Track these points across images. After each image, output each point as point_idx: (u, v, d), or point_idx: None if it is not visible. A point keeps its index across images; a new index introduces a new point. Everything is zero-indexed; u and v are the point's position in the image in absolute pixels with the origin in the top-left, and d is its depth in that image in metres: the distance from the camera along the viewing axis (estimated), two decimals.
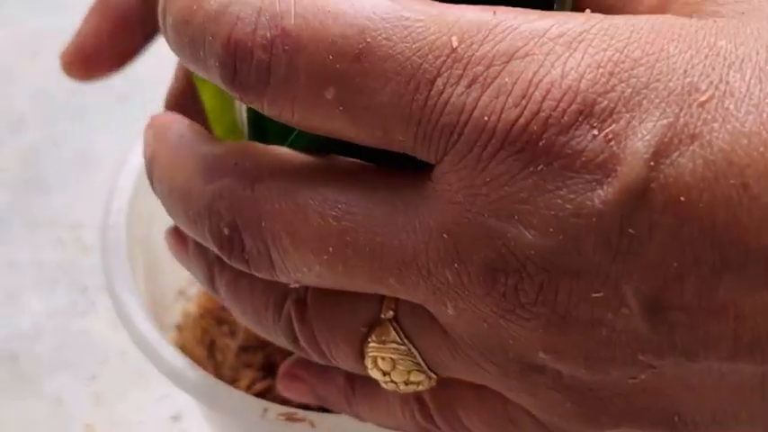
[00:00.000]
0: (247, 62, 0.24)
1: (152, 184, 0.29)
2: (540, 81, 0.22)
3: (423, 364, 0.26)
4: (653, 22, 0.23)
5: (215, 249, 0.27)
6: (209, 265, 0.29)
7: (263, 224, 0.25)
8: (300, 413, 0.33)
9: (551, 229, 0.22)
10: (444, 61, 0.23)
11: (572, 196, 0.22)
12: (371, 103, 0.23)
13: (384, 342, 0.26)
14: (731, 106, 0.22)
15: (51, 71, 0.73)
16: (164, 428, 0.53)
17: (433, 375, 0.27)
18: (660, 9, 0.26)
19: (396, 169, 0.25)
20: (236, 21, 0.24)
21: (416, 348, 0.26)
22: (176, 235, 0.31)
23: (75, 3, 0.44)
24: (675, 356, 0.23)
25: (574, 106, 0.22)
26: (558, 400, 0.25)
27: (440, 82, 0.23)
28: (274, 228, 0.25)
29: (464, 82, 0.23)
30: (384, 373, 0.27)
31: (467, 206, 0.23)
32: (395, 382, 0.27)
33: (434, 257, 0.24)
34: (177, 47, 0.26)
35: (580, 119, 0.22)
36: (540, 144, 0.22)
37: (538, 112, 0.22)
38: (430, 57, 0.23)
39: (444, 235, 0.23)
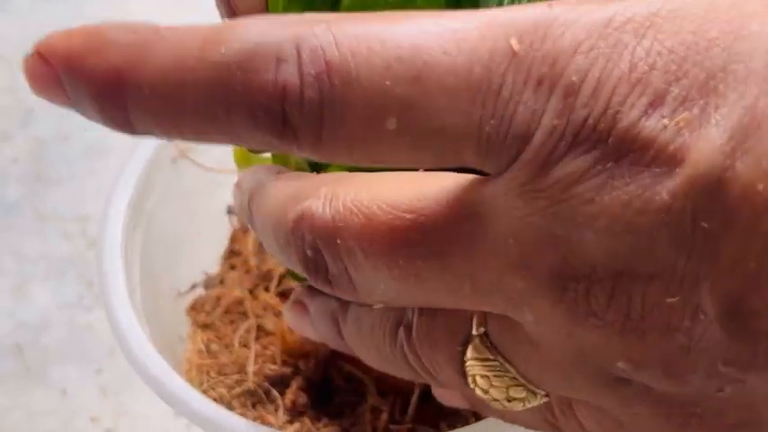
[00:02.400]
0: (297, 104, 0.22)
1: (252, 223, 0.29)
2: (609, 77, 0.21)
3: (519, 378, 0.25)
4: None
5: (305, 275, 0.26)
6: (333, 317, 0.29)
7: (338, 242, 0.25)
8: None
9: (619, 230, 0.21)
10: (507, 67, 0.21)
11: (640, 191, 0.21)
12: (439, 125, 0.22)
13: (478, 359, 0.25)
14: None
15: None
16: (168, 422, 0.53)
17: (540, 391, 0.26)
18: None
19: (461, 174, 0.24)
20: (273, 60, 0.21)
21: (509, 362, 0.25)
22: (296, 307, 0.31)
23: None
24: (760, 370, 0.21)
25: (644, 98, 0.20)
26: (649, 414, 0.24)
27: (505, 90, 0.21)
28: (348, 244, 0.25)
29: (530, 86, 0.21)
30: (485, 391, 0.26)
31: (530, 210, 0.22)
32: (497, 400, 0.26)
33: (502, 264, 0.22)
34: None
35: (650, 110, 0.20)
36: (610, 141, 0.21)
37: (606, 108, 0.21)
38: (492, 65, 0.21)
39: (510, 240, 0.22)
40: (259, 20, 0.22)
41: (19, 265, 0.60)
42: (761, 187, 0.19)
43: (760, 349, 0.20)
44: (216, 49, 0.22)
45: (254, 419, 0.34)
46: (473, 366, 0.26)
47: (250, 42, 0.21)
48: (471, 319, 0.25)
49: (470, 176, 0.24)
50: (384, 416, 0.34)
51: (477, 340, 0.25)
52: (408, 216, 0.24)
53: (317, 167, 0.30)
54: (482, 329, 0.25)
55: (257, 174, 0.29)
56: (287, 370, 0.36)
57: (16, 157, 0.66)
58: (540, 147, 0.21)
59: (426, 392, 0.34)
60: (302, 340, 0.36)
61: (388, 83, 0.21)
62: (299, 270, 0.26)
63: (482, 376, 0.26)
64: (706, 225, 0.20)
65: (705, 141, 0.20)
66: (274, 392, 0.35)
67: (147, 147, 0.39)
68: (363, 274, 0.25)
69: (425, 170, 0.24)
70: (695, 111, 0.20)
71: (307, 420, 0.34)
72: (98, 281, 0.35)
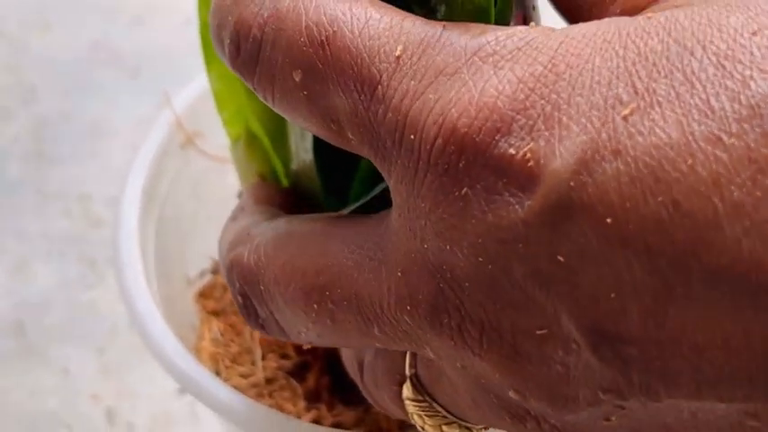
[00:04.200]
0: (246, 39, 0.24)
1: None
2: (459, 99, 0.21)
3: (448, 416, 0.26)
4: (587, 29, 0.21)
5: (243, 318, 0.28)
6: (360, 367, 0.29)
7: (261, 288, 0.26)
8: None
9: (481, 259, 0.21)
10: (387, 68, 0.22)
11: (497, 221, 0.21)
12: (327, 92, 0.23)
13: (411, 399, 0.26)
14: (656, 116, 0.19)
15: (62, 43, 0.74)
16: (170, 401, 0.53)
17: (476, 426, 0.26)
18: (633, 10, 0.23)
19: (367, 216, 0.25)
20: (249, 2, 0.24)
21: (435, 401, 0.26)
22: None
23: None
24: (637, 395, 0.21)
25: (489, 124, 0.21)
26: None
27: (380, 90, 0.22)
28: (269, 289, 0.26)
29: (398, 95, 0.22)
30: (421, 427, 0.26)
31: (411, 235, 0.22)
32: None
33: (393, 302, 0.23)
34: (212, 33, 0.26)
35: (497, 137, 0.21)
36: (461, 165, 0.21)
37: (453, 130, 0.21)
38: (376, 60, 0.23)
39: (399, 273, 0.23)
40: None
41: (20, 244, 0.60)
42: (609, 221, 0.19)
43: (633, 374, 0.20)
44: None
45: (271, 408, 0.34)
46: (409, 405, 0.26)
47: None
48: (405, 359, 0.26)
49: (372, 217, 0.25)
50: None
51: (408, 381, 0.26)
52: (320, 260, 0.25)
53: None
54: (413, 370, 0.26)
55: (240, 199, 0.32)
56: (299, 359, 0.36)
57: (18, 135, 0.66)
58: (405, 161, 0.22)
59: None
60: None
61: (301, 39, 0.23)
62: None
63: (417, 415, 0.26)
64: (562, 259, 0.20)
65: (551, 174, 0.20)
66: (292, 380, 0.35)
67: (158, 132, 0.39)
68: (286, 317, 0.26)
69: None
70: (541, 142, 0.20)
71: (323, 408, 0.35)
72: (116, 272, 0.35)
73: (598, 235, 0.20)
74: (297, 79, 0.23)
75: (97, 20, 0.73)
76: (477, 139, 0.21)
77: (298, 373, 0.36)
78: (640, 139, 0.19)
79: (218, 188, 0.43)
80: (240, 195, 0.43)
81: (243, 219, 0.29)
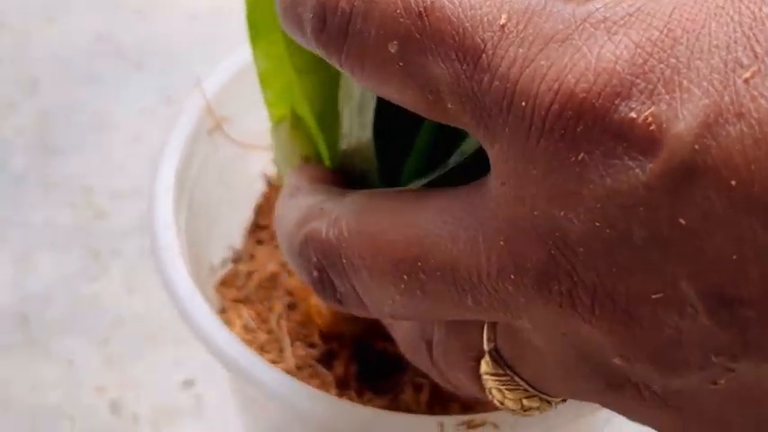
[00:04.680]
0: (333, 13, 0.24)
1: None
2: (575, 65, 0.21)
3: (530, 389, 0.26)
4: None
5: (317, 294, 0.28)
6: (428, 346, 0.29)
7: (343, 261, 0.26)
8: (478, 418, 0.32)
9: (598, 224, 0.21)
10: (491, 37, 0.22)
11: (616, 185, 0.21)
12: (426, 62, 0.23)
13: (490, 374, 0.26)
14: None
15: (66, 36, 0.74)
16: (175, 393, 0.53)
17: (554, 399, 0.26)
18: None
19: (454, 187, 0.25)
20: None
21: (518, 375, 0.26)
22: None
23: None
24: (751, 356, 0.21)
25: (608, 89, 0.21)
26: (652, 415, 0.24)
27: (484, 58, 0.22)
28: (353, 263, 0.26)
29: (505, 62, 0.22)
30: (501, 402, 0.27)
31: (518, 202, 0.22)
32: (514, 410, 0.27)
33: (495, 271, 0.23)
34: (281, 8, 0.26)
35: (617, 101, 0.21)
36: (578, 130, 0.21)
37: (571, 95, 0.21)
38: (479, 29, 0.23)
39: (501, 242, 0.23)
40: None
41: (24, 235, 0.60)
42: (734, 183, 0.20)
43: (750, 336, 0.21)
44: None
45: None
46: (488, 380, 0.26)
47: None
48: (482, 334, 0.26)
49: (463, 187, 0.25)
50: (426, 389, 0.35)
51: (488, 356, 0.26)
52: (410, 232, 0.25)
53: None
54: (492, 344, 0.26)
55: (289, 179, 0.31)
56: (326, 347, 0.36)
57: (21, 127, 0.66)
58: (514, 128, 0.22)
59: None
60: (335, 320, 0.36)
61: (397, 11, 0.23)
62: (311, 287, 0.28)
63: (497, 389, 0.26)
64: (684, 222, 0.20)
65: (674, 137, 0.20)
66: (321, 368, 0.35)
67: (187, 117, 0.39)
68: (370, 291, 0.26)
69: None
70: (662, 105, 0.21)
71: (353, 395, 0.35)
72: (155, 259, 0.35)
73: (722, 197, 0.20)
74: (392, 51, 0.24)
75: (100, 13, 0.73)
76: (596, 104, 0.21)
77: (325, 361, 0.36)
78: (763, 101, 0.20)
79: (240, 175, 0.43)
80: (270, 178, 0.43)
81: (304, 197, 0.29)
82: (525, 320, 0.24)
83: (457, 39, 0.23)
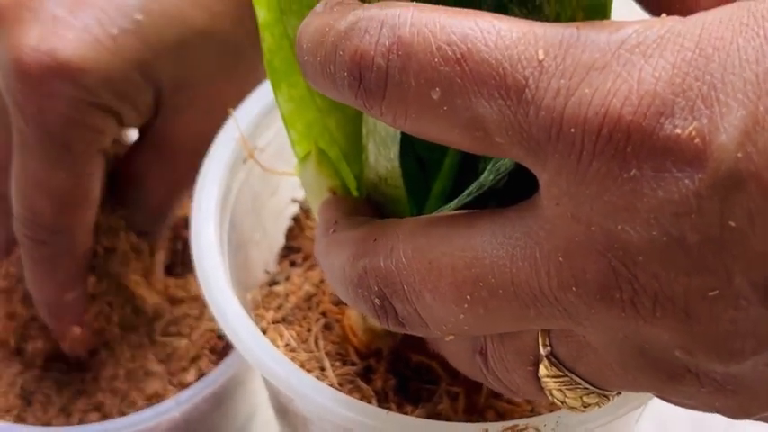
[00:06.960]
0: (369, 69, 0.26)
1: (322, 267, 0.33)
2: (618, 90, 0.24)
3: (590, 387, 0.28)
4: (721, 15, 0.24)
5: (377, 321, 0.30)
6: (483, 357, 0.31)
7: (405, 288, 0.28)
8: (521, 423, 0.33)
9: (654, 233, 0.23)
10: (532, 73, 0.24)
11: (668, 196, 0.23)
12: (470, 104, 0.25)
13: (549, 376, 0.28)
14: None
15: None
16: None
17: (612, 393, 0.28)
18: None
19: (512, 204, 0.27)
20: (363, 34, 0.26)
21: (578, 375, 0.28)
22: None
23: None
24: None
25: (653, 109, 0.23)
26: (711, 399, 0.26)
27: (527, 93, 0.24)
28: (415, 288, 0.28)
29: (549, 94, 0.24)
30: (561, 401, 0.28)
31: (574, 221, 0.24)
32: (574, 408, 0.29)
33: (555, 284, 0.25)
34: (310, 68, 0.28)
35: (662, 120, 0.23)
36: (629, 149, 0.23)
37: (618, 118, 0.23)
38: (519, 66, 0.24)
39: (560, 258, 0.25)
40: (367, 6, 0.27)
41: None
42: None
43: None
44: (339, 21, 0.27)
45: None
46: (547, 382, 0.28)
47: (356, 17, 0.27)
48: (537, 340, 0.28)
49: (511, 209, 0.26)
50: (461, 398, 0.36)
51: (546, 360, 0.28)
52: (468, 254, 0.27)
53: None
54: (548, 348, 0.28)
55: (322, 215, 0.33)
56: (363, 364, 0.38)
57: None
58: (565, 153, 0.24)
59: None
60: (370, 338, 0.38)
61: (435, 60, 0.25)
62: (370, 316, 0.30)
63: (557, 390, 0.28)
64: (733, 224, 0.23)
65: (719, 148, 0.23)
66: (361, 383, 0.37)
67: (223, 146, 0.41)
68: (433, 312, 0.28)
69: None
70: (704, 120, 0.23)
71: (393, 407, 0.36)
72: (201, 285, 0.37)
73: (765, 198, 0.22)
74: (435, 97, 0.25)
75: None
76: (643, 124, 0.23)
77: (364, 375, 0.37)
78: None
79: (271, 202, 0.44)
80: (301, 203, 0.45)
81: (346, 232, 0.31)
82: (585, 326, 0.26)
83: (498, 78, 0.25)
